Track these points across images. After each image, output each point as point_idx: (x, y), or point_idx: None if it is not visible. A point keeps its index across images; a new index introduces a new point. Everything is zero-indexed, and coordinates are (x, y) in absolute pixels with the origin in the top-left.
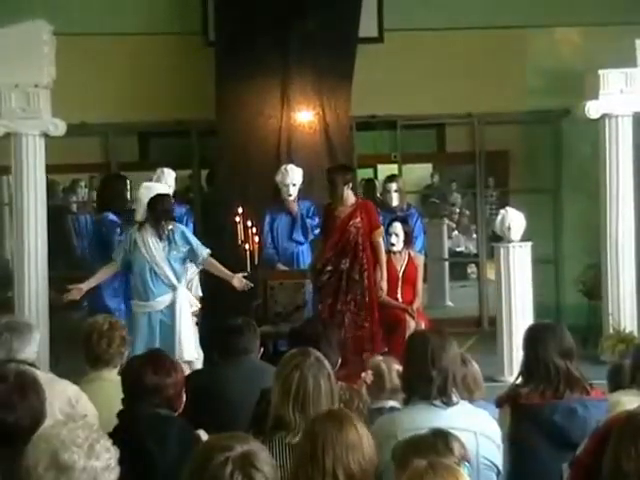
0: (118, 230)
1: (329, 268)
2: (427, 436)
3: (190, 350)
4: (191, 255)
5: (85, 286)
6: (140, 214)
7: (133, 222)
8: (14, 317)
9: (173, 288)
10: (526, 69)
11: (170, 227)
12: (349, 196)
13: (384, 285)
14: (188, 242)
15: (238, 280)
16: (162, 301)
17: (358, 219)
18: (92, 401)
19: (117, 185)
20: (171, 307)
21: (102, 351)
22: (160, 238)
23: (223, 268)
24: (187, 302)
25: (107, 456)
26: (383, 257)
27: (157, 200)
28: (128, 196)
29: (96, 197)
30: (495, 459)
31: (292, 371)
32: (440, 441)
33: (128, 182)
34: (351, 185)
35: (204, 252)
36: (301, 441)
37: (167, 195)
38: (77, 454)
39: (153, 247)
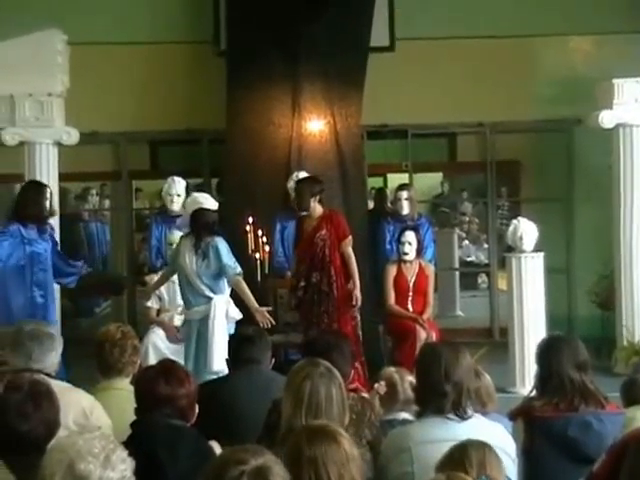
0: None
1: (302, 283)
2: (451, 450)
3: (220, 361)
4: (222, 272)
5: (150, 290)
6: (184, 224)
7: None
8: (38, 324)
9: (209, 299)
10: (538, 78)
11: (208, 241)
12: (316, 208)
13: (358, 294)
14: (219, 259)
15: (261, 315)
16: (198, 311)
17: (324, 231)
18: (104, 410)
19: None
20: (206, 317)
21: (114, 360)
22: (196, 252)
23: (250, 295)
24: (222, 313)
25: (123, 467)
26: (354, 266)
27: (199, 213)
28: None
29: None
30: (510, 474)
31: (303, 381)
32: (459, 454)
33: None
34: (319, 198)
35: (231, 272)
36: (293, 464)
37: (210, 210)
38: (93, 464)
39: (188, 260)
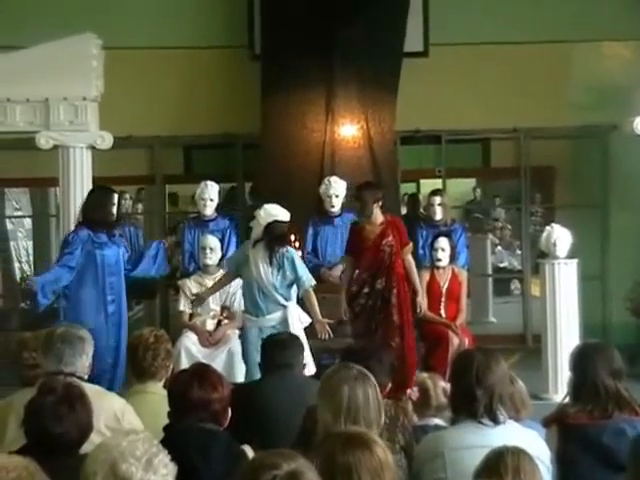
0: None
1: (366, 290)
2: (487, 456)
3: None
4: (296, 283)
5: (206, 295)
6: (256, 234)
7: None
8: (70, 327)
9: (283, 306)
10: (573, 83)
11: (282, 252)
12: (377, 215)
13: (424, 302)
14: (295, 270)
15: (321, 325)
16: (273, 318)
17: (390, 237)
18: (137, 413)
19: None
20: (283, 323)
21: (148, 364)
22: (270, 263)
23: (316, 306)
24: (298, 318)
25: (164, 471)
26: (415, 274)
27: (275, 226)
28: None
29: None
30: None
31: (340, 386)
32: (495, 460)
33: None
34: (380, 203)
35: (307, 284)
36: (326, 471)
37: (285, 222)
38: (135, 466)
39: (262, 270)
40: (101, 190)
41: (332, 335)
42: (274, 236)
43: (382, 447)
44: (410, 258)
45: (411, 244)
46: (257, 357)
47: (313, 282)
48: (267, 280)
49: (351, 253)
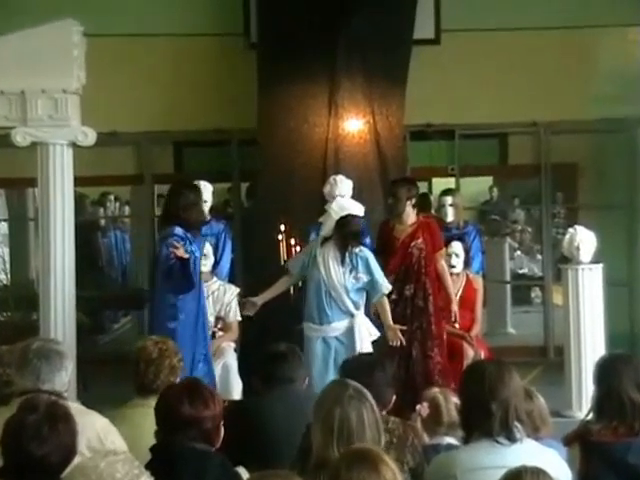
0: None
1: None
2: (505, 476)
3: None
4: (369, 287)
5: (260, 300)
6: (326, 230)
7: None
8: (47, 342)
9: (350, 315)
10: (597, 73)
11: (356, 252)
12: (410, 214)
13: (456, 309)
14: (370, 272)
15: (393, 332)
16: (337, 327)
17: (420, 240)
18: (135, 427)
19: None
20: (348, 335)
21: (149, 381)
22: (342, 262)
23: (389, 312)
24: (366, 330)
25: None
26: (449, 280)
27: (347, 221)
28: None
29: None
30: None
31: (332, 407)
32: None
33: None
34: (414, 201)
35: (383, 288)
36: None
37: (359, 217)
38: None
39: (332, 270)
40: (189, 187)
41: (404, 342)
42: (347, 233)
43: (392, 468)
44: (443, 264)
45: (444, 249)
46: (317, 374)
47: (389, 287)
48: (338, 282)
49: (381, 253)
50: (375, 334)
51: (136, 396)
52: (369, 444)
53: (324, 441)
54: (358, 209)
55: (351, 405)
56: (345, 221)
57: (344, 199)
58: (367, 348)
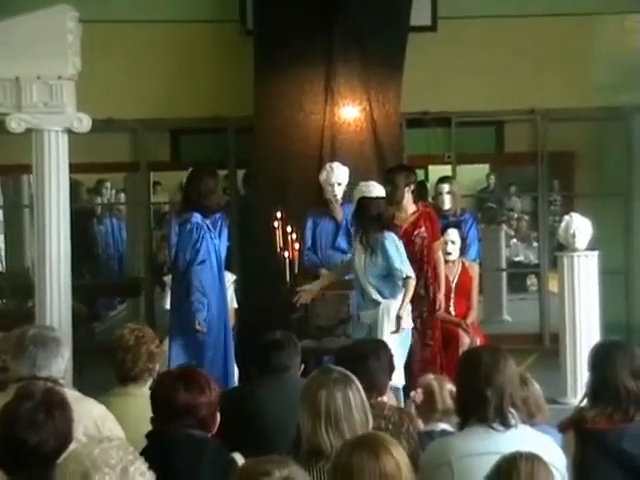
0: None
1: None
2: (499, 462)
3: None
4: (387, 272)
5: (315, 287)
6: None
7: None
8: (43, 329)
9: (375, 303)
10: (595, 61)
11: (376, 236)
12: (409, 201)
13: (442, 298)
14: (387, 257)
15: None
16: (366, 316)
17: (423, 228)
18: (117, 415)
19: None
20: (375, 324)
21: (127, 368)
22: (364, 249)
23: (404, 299)
24: (390, 322)
25: None
26: (442, 269)
27: (367, 203)
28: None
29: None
30: None
31: (317, 391)
32: (507, 467)
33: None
34: (412, 188)
35: (401, 274)
36: (331, 472)
37: (377, 198)
38: (109, 476)
39: (357, 256)
40: (209, 173)
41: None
42: (365, 216)
43: (394, 457)
44: (440, 254)
45: (442, 239)
46: None
47: (408, 274)
48: (359, 267)
49: None
50: (405, 326)
51: (117, 384)
52: (356, 427)
53: (312, 426)
54: (377, 190)
55: (336, 388)
56: (362, 204)
57: (368, 182)
58: (390, 339)
